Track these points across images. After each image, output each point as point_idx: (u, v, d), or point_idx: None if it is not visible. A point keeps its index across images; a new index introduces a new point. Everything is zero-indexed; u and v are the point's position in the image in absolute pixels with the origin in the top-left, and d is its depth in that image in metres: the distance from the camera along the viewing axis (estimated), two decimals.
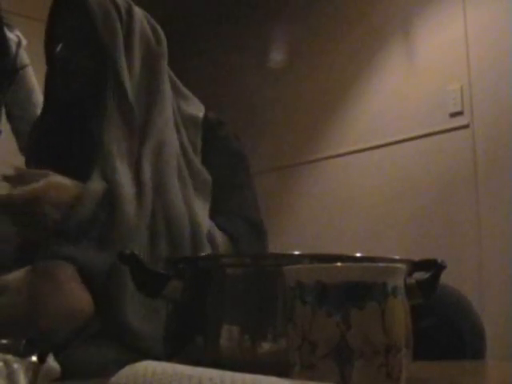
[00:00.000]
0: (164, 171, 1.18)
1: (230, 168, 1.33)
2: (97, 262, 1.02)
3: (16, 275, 0.96)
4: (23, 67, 1.81)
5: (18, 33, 1.83)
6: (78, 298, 0.94)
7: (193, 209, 1.17)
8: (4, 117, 1.85)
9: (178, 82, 1.38)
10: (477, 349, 1.07)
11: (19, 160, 1.80)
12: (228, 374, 0.43)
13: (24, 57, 1.83)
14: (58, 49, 1.24)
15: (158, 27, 1.34)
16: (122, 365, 0.48)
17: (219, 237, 1.18)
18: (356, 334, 0.51)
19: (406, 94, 3.29)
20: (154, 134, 1.21)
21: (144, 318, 1.02)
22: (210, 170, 1.28)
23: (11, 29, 1.79)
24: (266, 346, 0.69)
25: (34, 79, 1.87)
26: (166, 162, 1.20)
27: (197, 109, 1.37)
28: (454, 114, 3.08)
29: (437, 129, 3.13)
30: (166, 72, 1.31)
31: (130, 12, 1.27)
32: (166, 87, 1.29)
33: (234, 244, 1.20)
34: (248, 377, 0.43)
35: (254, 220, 1.29)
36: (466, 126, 3.03)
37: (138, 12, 1.31)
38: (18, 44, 1.80)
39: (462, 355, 1.04)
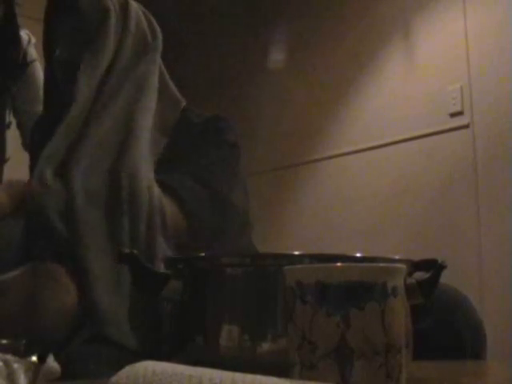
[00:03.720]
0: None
1: (217, 148, 1.31)
2: None
3: (14, 275, 0.96)
4: (32, 62, 1.84)
5: (27, 31, 1.87)
6: (76, 297, 0.95)
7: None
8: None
9: (168, 80, 1.39)
10: (477, 348, 1.07)
11: (24, 154, 1.81)
12: (228, 374, 0.43)
13: (33, 52, 1.86)
14: (57, 53, 1.25)
15: (154, 21, 1.35)
16: (121, 364, 0.48)
17: (157, 192, 1.15)
18: (356, 333, 0.51)
19: (406, 94, 3.29)
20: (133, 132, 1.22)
21: (111, 300, 1.03)
22: (198, 150, 1.28)
23: (21, 28, 1.82)
24: (265, 346, 0.69)
25: (42, 76, 1.89)
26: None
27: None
28: (454, 114, 3.08)
29: (437, 129, 3.13)
30: (158, 67, 1.32)
31: (125, 7, 1.28)
32: (155, 80, 1.30)
33: (182, 205, 1.18)
34: (248, 377, 0.43)
35: (216, 190, 1.24)
36: (466, 126, 3.03)
37: (134, 6, 1.31)
38: (28, 41, 1.83)
39: (461, 355, 1.04)
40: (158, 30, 1.34)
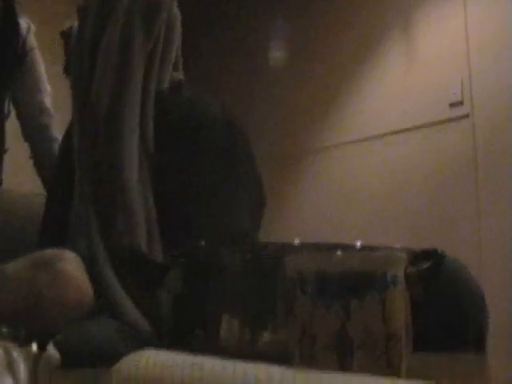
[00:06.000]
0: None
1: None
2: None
3: (15, 265, 0.96)
4: (31, 50, 1.83)
5: (27, 19, 1.85)
6: (78, 287, 0.94)
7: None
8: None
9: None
10: (479, 320, 1.05)
11: (23, 145, 1.80)
12: (230, 363, 0.43)
13: (32, 40, 1.85)
14: None
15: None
16: (121, 342, 0.48)
17: None
18: (356, 324, 0.51)
19: (407, 85, 3.29)
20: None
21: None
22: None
23: (20, 16, 1.81)
24: (265, 338, 0.69)
25: (42, 66, 1.87)
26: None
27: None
28: (453, 104, 3.08)
29: (437, 119, 3.12)
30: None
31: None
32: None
33: None
34: (249, 365, 0.43)
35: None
36: (465, 116, 3.02)
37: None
38: (28, 29, 1.82)
39: (463, 327, 1.02)
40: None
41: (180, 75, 1.38)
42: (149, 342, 0.80)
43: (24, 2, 1.88)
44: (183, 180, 1.20)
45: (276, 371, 0.42)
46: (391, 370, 0.52)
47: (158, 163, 1.22)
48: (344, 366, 0.51)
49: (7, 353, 0.49)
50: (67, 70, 1.40)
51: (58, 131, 1.73)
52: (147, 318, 0.90)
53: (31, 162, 1.78)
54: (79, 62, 1.26)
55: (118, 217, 1.10)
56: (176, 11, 1.36)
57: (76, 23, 1.35)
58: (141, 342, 0.80)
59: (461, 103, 3.04)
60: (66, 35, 1.39)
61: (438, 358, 0.92)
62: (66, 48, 1.40)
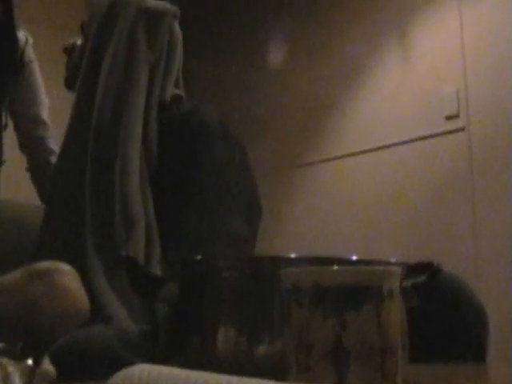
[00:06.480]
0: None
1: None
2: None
3: (11, 277, 0.95)
4: (30, 63, 1.84)
5: (25, 32, 1.86)
6: (74, 298, 0.94)
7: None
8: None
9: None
10: (480, 331, 1.05)
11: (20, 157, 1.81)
12: (224, 378, 0.43)
13: (30, 53, 1.86)
14: None
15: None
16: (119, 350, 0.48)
17: None
18: (352, 336, 0.51)
19: (402, 97, 3.30)
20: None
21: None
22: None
23: (18, 28, 1.82)
24: (262, 349, 0.69)
25: (40, 78, 1.88)
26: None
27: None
28: (449, 117, 3.09)
29: (433, 132, 3.13)
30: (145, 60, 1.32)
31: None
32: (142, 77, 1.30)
33: None
34: (244, 380, 0.43)
35: None
36: (461, 129, 3.03)
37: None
38: (26, 42, 1.83)
39: (466, 337, 1.02)
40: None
41: (180, 92, 1.40)
42: (144, 352, 0.80)
43: (24, 15, 1.90)
44: (181, 188, 1.22)
45: None
46: (386, 383, 0.53)
47: (157, 172, 1.23)
48: (340, 377, 0.51)
49: (2, 367, 0.49)
50: (68, 84, 1.42)
51: (55, 144, 1.74)
52: (142, 328, 0.90)
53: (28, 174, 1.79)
54: (84, 73, 1.29)
55: (117, 224, 1.10)
56: (178, 30, 1.38)
57: (78, 40, 1.38)
58: (137, 351, 0.80)
59: (457, 116, 3.05)
60: (68, 51, 1.43)
61: (436, 369, 0.92)
62: (68, 63, 1.43)
